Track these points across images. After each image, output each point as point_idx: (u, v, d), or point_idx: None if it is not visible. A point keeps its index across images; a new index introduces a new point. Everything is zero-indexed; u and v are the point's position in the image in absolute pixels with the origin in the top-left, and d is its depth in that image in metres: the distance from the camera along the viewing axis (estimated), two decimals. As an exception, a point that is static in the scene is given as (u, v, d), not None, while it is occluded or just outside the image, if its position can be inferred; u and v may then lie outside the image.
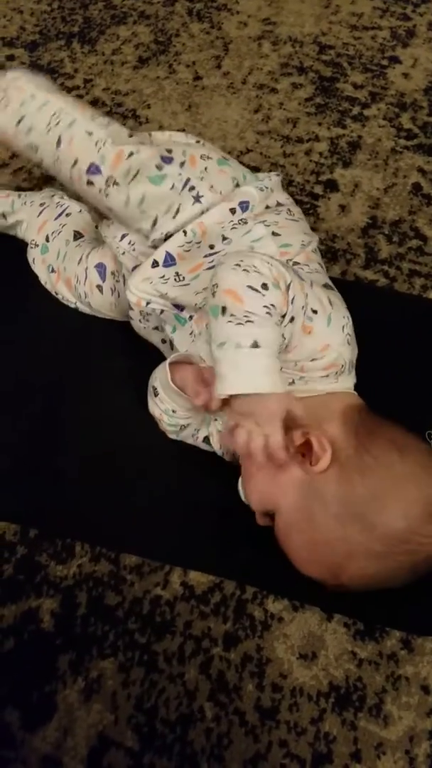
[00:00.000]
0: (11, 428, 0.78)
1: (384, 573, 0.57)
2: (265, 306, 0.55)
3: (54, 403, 0.79)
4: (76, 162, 0.72)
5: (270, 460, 0.58)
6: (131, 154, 0.71)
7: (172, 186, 0.70)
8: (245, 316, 0.55)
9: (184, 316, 0.70)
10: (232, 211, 0.70)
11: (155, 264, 0.69)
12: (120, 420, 0.78)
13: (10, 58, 1.24)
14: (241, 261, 0.56)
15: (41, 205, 0.89)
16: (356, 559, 0.57)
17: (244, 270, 0.55)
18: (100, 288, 0.81)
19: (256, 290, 0.55)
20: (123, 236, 0.75)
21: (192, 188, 0.70)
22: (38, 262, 0.87)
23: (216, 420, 0.71)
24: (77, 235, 0.85)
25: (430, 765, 0.60)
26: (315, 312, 0.60)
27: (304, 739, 0.61)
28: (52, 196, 0.90)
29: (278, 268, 0.57)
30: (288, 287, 0.57)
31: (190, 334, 0.70)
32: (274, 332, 0.56)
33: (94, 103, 1.16)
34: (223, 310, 0.55)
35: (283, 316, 0.57)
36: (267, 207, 0.73)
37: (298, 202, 0.86)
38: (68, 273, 0.83)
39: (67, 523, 0.72)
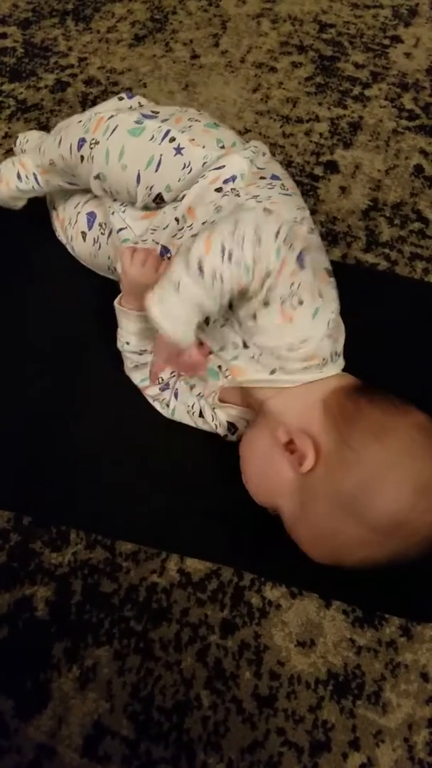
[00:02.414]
0: (6, 415, 0.76)
1: (387, 557, 0.57)
2: (214, 271, 0.55)
3: (49, 389, 0.78)
4: (70, 147, 0.74)
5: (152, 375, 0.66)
6: (111, 116, 0.71)
7: (152, 137, 0.69)
8: (191, 261, 0.55)
9: None
10: (218, 190, 0.68)
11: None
12: (116, 404, 0.76)
13: (3, 36, 1.21)
14: (240, 222, 0.55)
15: None
16: (356, 549, 0.57)
17: (235, 231, 0.55)
18: (84, 235, 0.82)
19: (223, 253, 0.54)
20: None
21: (172, 139, 0.69)
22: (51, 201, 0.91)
23: (202, 397, 0.71)
24: None
25: (429, 752, 0.59)
26: (301, 303, 0.57)
27: (302, 727, 0.60)
28: None
29: (266, 251, 0.55)
30: (267, 275, 0.55)
31: None
32: (200, 295, 0.56)
33: (89, 81, 1.13)
34: (191, 244, 0.56)
35: (244, 293, 0.56)
36: (261, 178, 0.71)
37: (297, 184, 0.84)
38: (65, 214, 0.86)
39: (61, 510, 0.70)
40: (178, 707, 0.60)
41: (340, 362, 0.65)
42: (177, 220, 0.69)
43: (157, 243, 0.70)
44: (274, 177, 0.72)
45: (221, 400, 0.70)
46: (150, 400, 0.75)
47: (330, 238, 0.94)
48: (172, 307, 0.57)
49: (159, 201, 0.71)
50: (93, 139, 0.71)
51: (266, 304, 0.56)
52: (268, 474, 0.62)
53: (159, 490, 0.71)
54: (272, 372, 0.62)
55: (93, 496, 0.71)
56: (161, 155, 0.68)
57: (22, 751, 0.58)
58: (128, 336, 0.71)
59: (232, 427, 0.71)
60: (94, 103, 1.10)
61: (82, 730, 0.59)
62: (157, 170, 0.69)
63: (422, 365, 0.81)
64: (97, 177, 0.72)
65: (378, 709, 0.61)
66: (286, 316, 0.57)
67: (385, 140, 1.07)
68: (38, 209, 0.91)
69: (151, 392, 0.74)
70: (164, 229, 0.70)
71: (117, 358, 0.77)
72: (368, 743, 0.60)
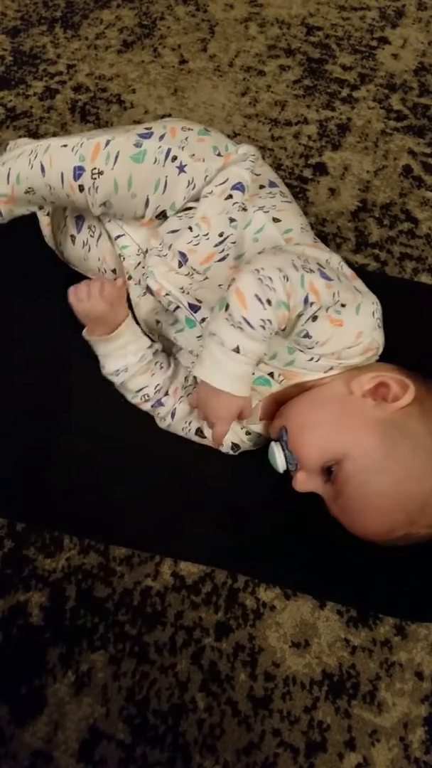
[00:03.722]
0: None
1: None
2: (262, 319, 0.57)
3: (41, 396, 0.78)
4: (62, 176, 0.71)
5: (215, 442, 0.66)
6: (108, 142, 0.69)
7: (155, 160, 0.69)
8: (239, 322, 0.58)
9: (194, 319, 0.68)
10: (229, 197, 0.69)
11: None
12: (110, 410, 0.77)
13: (-8, 44, 1.22)
14: (262, 268, 0.58)
15: None
16: None
17: (260, 279, 0.58)
18: (73, 238, 0.82)
19: (261, 302, 0.57)
20: None
21: (174, 158, 0.69)
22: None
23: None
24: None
25: (425, 751, 0.59)
26: (344, 305, 0.61)
27: (297, 727, 0.60)
28: None
29: (294, 283, 0.58)
30: (303, 302, 0.58)
31: (198, 337, 0.69)
32: (259, 346, 0.59)
33: (78, 88, 1.14)
34: (227, 306, 0.58)
35: (284, 328, 0.60)
36: (261, 187, 0.72)
37: (287, 186, 0.85)
38: (54, 218, 0.85)
39: (54, 516, 0.70)
40: (174, 710, 0.61)
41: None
42: (191, 228, 0.69)
43: (169, 249, 0.70)
44: (272, 184, 0.74)
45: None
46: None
47: (320, 240, 0.94)
48: (235, 370, 0.59)
49: (162, 216, 0.72)
50: (94, 168, 0.69)
51: (315, 318, 0.59)
52: (342, 417, 0.62)
53: (152, 494, 0.72)
54: (327, 371, 0.65)
55: (86, 501, 0.71)
56: (166, 177, 0.69)
57: (17, 757, 0.58)
58: (102, 359, 0.74)
59: (235, 446, 0.72)
60: (83, 110, 1.10)
61: (77, 735, 0.59)
62: (164, 192, 0.69)
63: (413, 365, 0.81)
64: (103, 204, 0.71)
65: (373, 709, 0.61)
66: (335, 322, 0.60)
67: (373, 141, 1.08)
68: (27, 216, 0.91)
69: (145, 407, 0.74)
70: (173, 233, 0.70)
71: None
72: (364, 743, 0.60)
